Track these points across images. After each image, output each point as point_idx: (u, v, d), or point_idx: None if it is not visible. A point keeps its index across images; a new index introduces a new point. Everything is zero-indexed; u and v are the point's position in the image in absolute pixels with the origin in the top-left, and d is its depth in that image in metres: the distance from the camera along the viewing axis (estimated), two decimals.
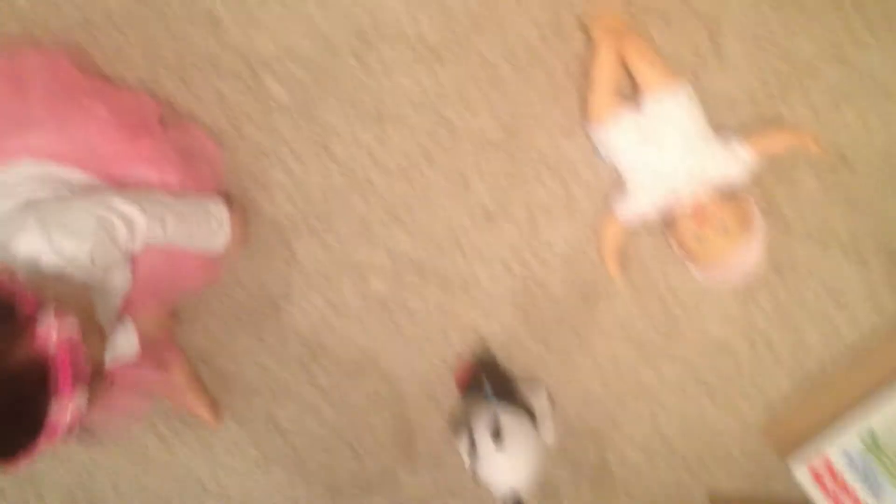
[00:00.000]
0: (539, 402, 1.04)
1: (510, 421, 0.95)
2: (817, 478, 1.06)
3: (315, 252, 1.04)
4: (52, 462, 1.11)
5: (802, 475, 1.08)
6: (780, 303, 1.07)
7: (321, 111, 0.98)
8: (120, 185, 0.84)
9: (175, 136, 0.92)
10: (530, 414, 1.00)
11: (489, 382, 1.03)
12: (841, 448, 1.05)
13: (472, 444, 0.95)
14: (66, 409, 0.63)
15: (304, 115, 0.98)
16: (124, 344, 0.84)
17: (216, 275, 0.97)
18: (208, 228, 0.87)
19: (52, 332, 0.63)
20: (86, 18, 0.92)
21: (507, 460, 0.93)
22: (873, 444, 1.04)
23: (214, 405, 1.09)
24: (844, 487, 1.04)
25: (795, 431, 1.10)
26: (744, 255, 0.96)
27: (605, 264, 1.04)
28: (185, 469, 1.12)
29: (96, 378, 0.69)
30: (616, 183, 1.00)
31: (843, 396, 1.07)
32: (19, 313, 0.63)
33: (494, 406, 0.98)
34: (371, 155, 1.00)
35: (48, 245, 0.71)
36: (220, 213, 0.89)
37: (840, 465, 1.04)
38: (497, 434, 0.93)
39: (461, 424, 1.00)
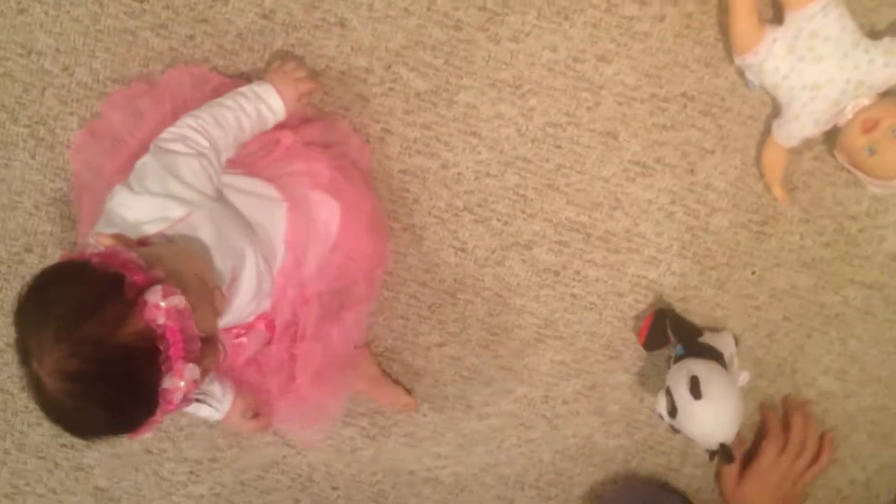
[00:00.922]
0: (726, 348, 1.10)
1: (706, 373, 1.01)
2: None
3: (479, 235, 1.14)
4: (274, 471, 1.28)
5: None
6: None
7: (459, 93, 1.09)
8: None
9: (319, 130, 1.04)
10: (720, 361, 1.07)
11: (675, 336, 1.10)
12: None
13: (671, 403, 1.02)
14: (178, 382, 0.69)
15: (443, 101, 1.09)
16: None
17: (384, 260, 1.08)
18: None
19: (161, 305, 0.68)
20: (218, 45, 1.07)
21: (709, 413, 0.99)
22: None
23: (408, 394, 1.22)
24: None
25: None
26: None
27: (770, 192, 1.09)
28: (393, 460, 1.25)
29: (210, 348, 0.74)
30: (772, 108, 1.05)
31: None
32: (127, 286, 0.68)
33: (687, 361, 1.04)
34: (516, 127, 1.10)
35: (142, 198, 0.80)
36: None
37: None
38: (695, 389, 0.99)
39: (656, 384, 1.09)
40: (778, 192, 1.08)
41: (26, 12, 1.08)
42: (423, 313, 1.18)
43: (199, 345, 0.71)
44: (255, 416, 1.06)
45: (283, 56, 1.08)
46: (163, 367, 0.68)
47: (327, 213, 1.00)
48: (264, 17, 1.07)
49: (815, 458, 1.15)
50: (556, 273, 1.15)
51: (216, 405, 1.00)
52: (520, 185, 1.12)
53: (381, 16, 1.06)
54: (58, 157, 1.17)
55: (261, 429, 1.08)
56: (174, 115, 0.92)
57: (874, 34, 1.00)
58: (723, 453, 1.02)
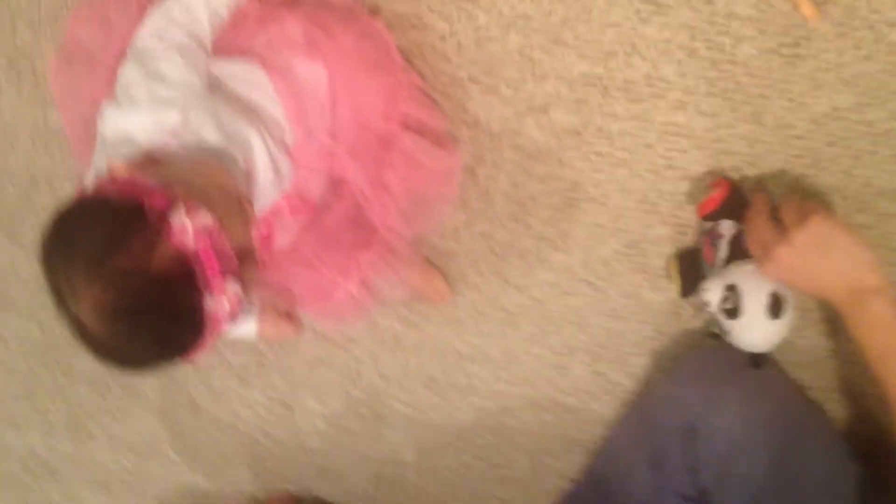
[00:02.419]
0: None
1: (785, 292, 1.07)
2: None
3: (490, 105, 1.19)
4: (323, 369, 1.42)
5: None
6: None
7: None
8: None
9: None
10: None
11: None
12: None
13: (735, 304, 1.08)
14: (221, 299, 0.73)
15: None
16: None
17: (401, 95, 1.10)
18: None
19: (187, 226, 0.71)
20: None
21: (778, 333, 1.07)
22: None
23: (442, 278, 1.32)
24: None
25: None
26: None
27: (798, 12, 1.10)
28: (439, 344, 1.37)
29: (246, 260, 0.78)
30: None
31: None
32: (149, 212, 0.72)
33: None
34: None
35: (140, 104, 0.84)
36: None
37: None
38: (776, 309, 1.05)
39: (716, 274, 1.14)
40: (807, 9, 1.09)
41: None
42: None
43: (235, 259, 0.75)
44: (288, 316, 1.15)
45: None
46: (202, 288, 0.72)
47: (314, 79, 1.02)
48: None
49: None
50: (578, 133, 1.20)
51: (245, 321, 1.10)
52: (524, 45, 1.15)
53: None
54: (42, 88, 1.25)
55: (295, 331, 1.16)
56: (143, 15, 0.94)
57: None
58: (755, 359, 1.10)
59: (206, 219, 0.72)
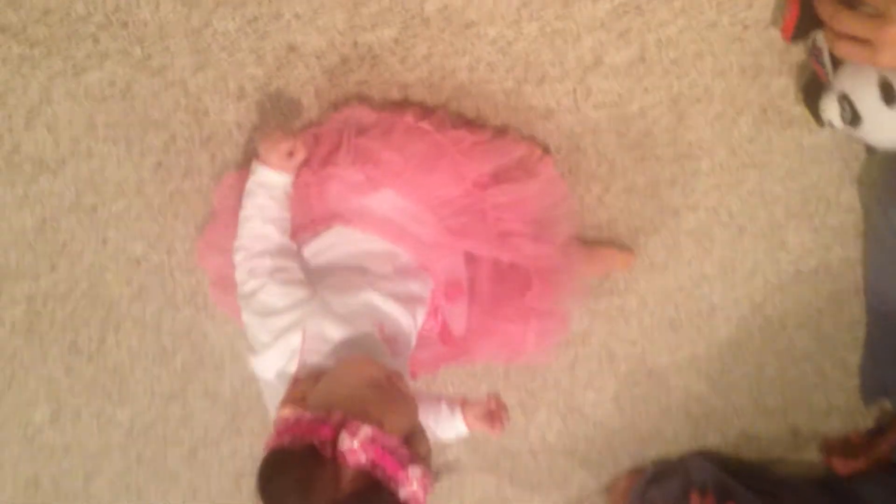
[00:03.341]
0: None
1: (893, 70, 1.03)
2: None
3: (550, 91, 1.26)
4: (578, 368, 1.57)
5: None
6: None
7: None
8: None
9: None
10: None
11: None
12: None
13: (852, 111, 1.07)
14: (412, 486, 0.85)
15: None
16: None
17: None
18: None
19: (355, 445, 0.84)
20: None
21: None
22: None
23: (620, 250, 1.40)
24: None
25: None
26: None
27: None
28: (658, 292, 1.46)
29: (415, 437, 0.91)
30: None
31: None
32: (322, 448, 0.85)
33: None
34: None
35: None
36: None
37: None
38: (889, 94, 1.03)
39: (821, 92, 1.14)
40: None
41: None
42: (565, 177, 1.34)
43: (406, 448, 0.87)
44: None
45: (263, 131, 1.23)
46: (391, 488, 0.85)
47: (389, 201, 1.15)
48: None
49: None
50: (642, 60, 1.22)
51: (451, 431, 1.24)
52: (542, 26, 1.19)
53: None
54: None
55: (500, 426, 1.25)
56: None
57: None
58: None
59: (367, 431, 0.85)
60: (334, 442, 0.85)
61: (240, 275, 1.09)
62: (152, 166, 1.30)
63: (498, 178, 1.20)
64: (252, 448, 1.65)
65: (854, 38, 1.03)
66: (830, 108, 1.11)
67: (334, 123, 1.21)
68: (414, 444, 0.91)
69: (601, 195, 1.36)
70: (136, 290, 1.44)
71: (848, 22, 1.04)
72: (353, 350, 1.03)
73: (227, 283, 1.27)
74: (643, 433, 1.65)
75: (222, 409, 1.60)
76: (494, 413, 1.19)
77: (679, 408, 1.61)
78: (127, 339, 1.50)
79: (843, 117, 1.10)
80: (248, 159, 1.27)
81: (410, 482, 0.85)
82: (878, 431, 1.62)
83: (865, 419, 1.63)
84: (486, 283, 1.24)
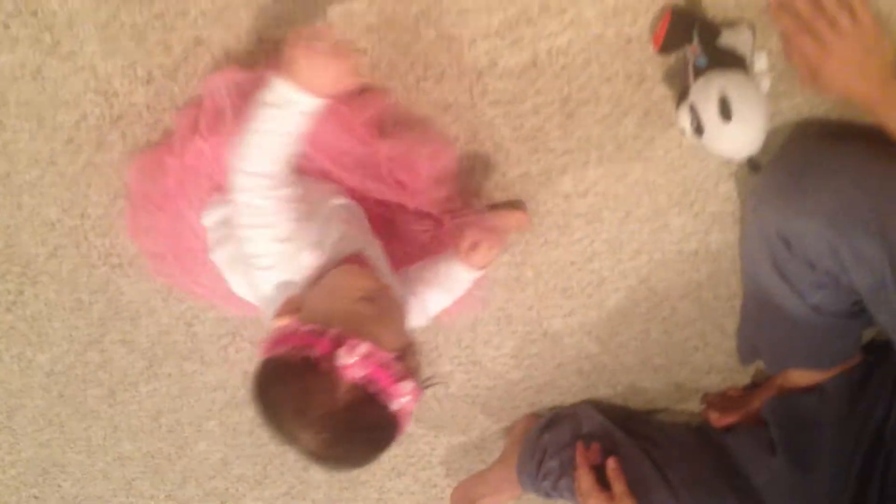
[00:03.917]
0: (746, 45, 1.25)
1: (735, 91, 1.18)
2: None
3: (448, 89, 1.38)
4: (480, 328, 1.74)
5: None
6: None
7: None
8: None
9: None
10: (741, 66, 1.22)
11: (698, 42, 1.25)
12: None
13: (697, 121, 1.22)
14: (403, 399, 0.96)
15: None
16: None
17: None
18: None
19: (352, 361, 0.93)
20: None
21: (739, 133, 1.18)
22: None
23: (515, 210, 1.51)
24: None
25: None
26: None
27: None
28: (552, 264, 1.61)
29: (408, 352, 1.01)
30: None
31: None
32: (320, 362, 0.94)
33: (713, 77, 1.21)
34: None
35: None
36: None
37: None
38: (726, 110, 1.17)
39: (680, 101, 1.28)
40: None
41: None
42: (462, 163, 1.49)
43: (400, 363, 0.97)
44: None
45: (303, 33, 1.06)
46: (385, 400, 0.95)
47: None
48: None
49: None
50: (534, 65, 1.35)
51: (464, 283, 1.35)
52: (439, 30, 1.31)
53: None
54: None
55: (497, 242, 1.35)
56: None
57: None
58: (750, 165, 1.22)
59: (364, 348, 0.95)
60: (331, 356, 0.95)
61: (247, 196, 1.06)
62: (64, 141, 1.40)
63: (385, 133, 1.31)
64: (169, 389, 1.81)
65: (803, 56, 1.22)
66: (682, 117, 1.26)
67: (211, 86, 1.26)
68: (406, 360, 1.00)
69: (498, 181, 1.50)
70: (52, 249, 1.55)
71: (800, 42, 1.23)
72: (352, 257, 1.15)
73: (162, 258, 1.42)
74: (539, 384, 1.84)
75: (139, 355, 1.74)
76: (485, 239, 1.29)
77: (572, 363, 1.80)
78: (44, 292, 1.63)
79: (691, 126, 1.25)
80: (158, 138, 1.39)
81: (402, 395, 0.97)
82: (752, 388, 1.83)
83: (743, 377, 1.84)
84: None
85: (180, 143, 1.28)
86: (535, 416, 1.89)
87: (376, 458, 1.03)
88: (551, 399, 1.87)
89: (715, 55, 1.24)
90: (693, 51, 1.26)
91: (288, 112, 1.03)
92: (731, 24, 1.29)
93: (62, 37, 1.29)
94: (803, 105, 1.40)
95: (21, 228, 1.52)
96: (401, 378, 0.98)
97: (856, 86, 1.24)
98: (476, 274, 1.33)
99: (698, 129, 1.23)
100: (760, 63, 1.29)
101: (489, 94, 1.38)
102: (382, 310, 1.06)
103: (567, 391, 1.85)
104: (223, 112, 1.23)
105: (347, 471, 1.12)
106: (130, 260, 1.58)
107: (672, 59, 1.35)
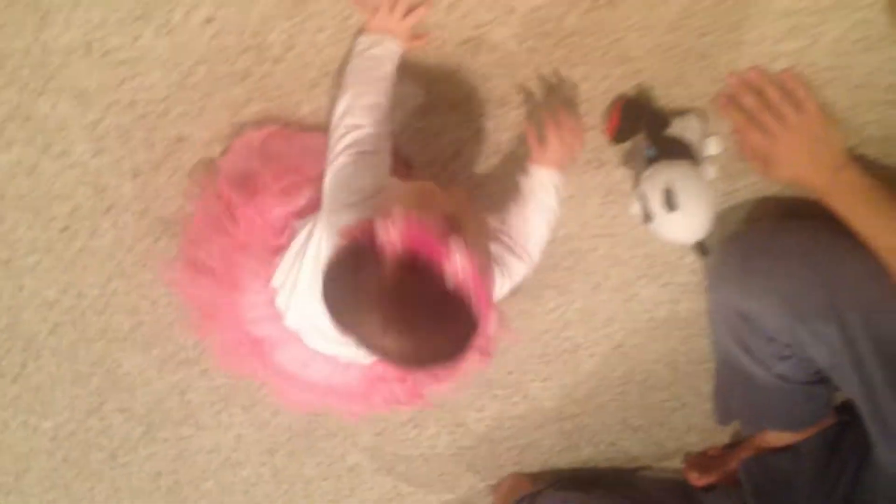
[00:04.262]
0: (694, 133, 1.32)
1: (679, 182, 1.25)
2: None
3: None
4: (455, 402, 1.81)
5: None
6: None
7: None
8: None
9: None
10: (689, 154, 1.30)
11: (646, 131, 1.33)
12: None
13: (646, 209, 1.28)
14: (457, 267, 0.89)
15: None
16: None
17: None
18: None
19: (391, 232, 0.89)
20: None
21: (684, 223, 1.25)
22: None
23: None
24: None
25: None
26: None
27: None
28: (526, 334, 1.68)
29: (462, 218, 0.97)
30: None
31: None
32: (361, 243, 0.92)
33: (659, 168, 1.28)
34: None
35: None
36: None
37: None
38: (670, 201, 1.23)
39: (633, 188, 1.35)
40: None
41: None
42: None
43: (447, 223, 0.93)
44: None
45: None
46: (436, 270, 0.89)
47: None
48: None
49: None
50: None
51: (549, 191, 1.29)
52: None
53: None
54: None
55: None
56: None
57: None
58: (698, 250, 1.29)
59: (399, 215, 0.91)
60: (372, 235, 0.91)
61: (364, 128, 1.17)
62: (59, 229, 1.49)
63: None
64: (167, 452, 1.89)
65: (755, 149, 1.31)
66: (633, 205, 1.33)
67: (239, 150, 1.37)
68: (457, 222, 0.96)
69: None
70: (52, 326, 1.64)
71: (749, 136, 1.32)
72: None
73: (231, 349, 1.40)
74: (522, 445, 1.90)
75: (137, 422, 1.82)
76: (553, 133, 1.27)
77: (553, 424, 1.86)
78: (46, 366, 1.71)
79: (640, 214, 1.31)
80: (147, 225, 1.48)
81: (452, 255, 0.89)
82: (732, 447, 1.88)
83: (723, 436, 1.89)
84: None
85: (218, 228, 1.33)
86: (520, 474, 1.95)
87: (453, 343, 0.96)
88: (535, 458, 1.93)
89: (664, 145, 1.31)
90: (647, 145, 1.33)
91: (383, 48, 1.22)
92: (681, 112, 1.36)
93: (54, 138, 1.37)
94: (758, 184, 1.46)
95: (23, 308, 1.60)
96: (447, 236, 0.91)
97: (805, 174, 1.30)
98: (554, 176, 1.28)
99: (647, 217, 1.29)
100: (712, 148, 1.36)
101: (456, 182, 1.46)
102: (427, 189, 1.06)
103: (550, 450, 1.91)
104: (253, 173, 1.31)
105: (435, 366, 0.99)
106: (126, 335, 1.65)
107: (629, 143, 1.41)
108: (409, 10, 1.27)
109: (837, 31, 1.30)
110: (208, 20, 1.29)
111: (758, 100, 1.31)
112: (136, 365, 1.72)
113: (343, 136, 1.17)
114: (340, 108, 1.20)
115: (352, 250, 0.95)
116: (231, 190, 1.32)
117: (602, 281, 1.61)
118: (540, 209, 1.27)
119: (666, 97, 1.37)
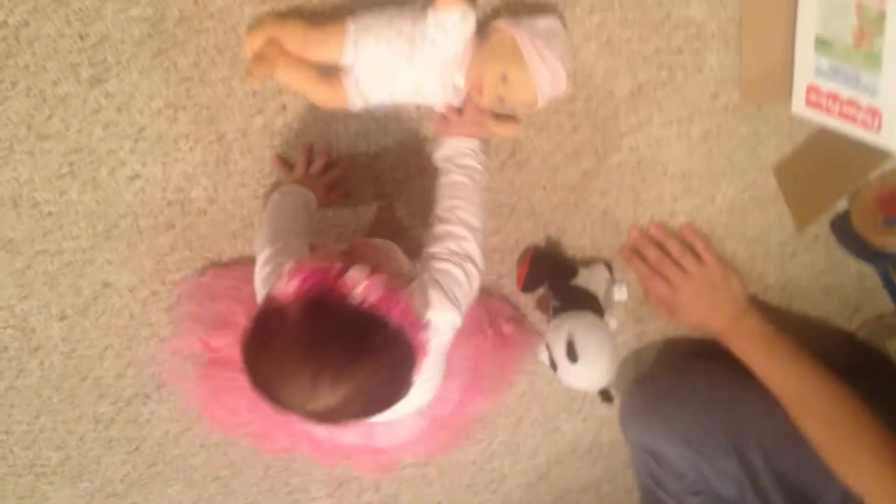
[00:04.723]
0: (600, 284, 1.37)
1: (581, 333, 1.29)
2: (818, 107, 1.21)
3: None
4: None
5: (805, 112, 1.25)
6: None
7: None
8: None
9: None
10: (595, 305, 1.35)
11: (550, 286, 1.38)
12: (814, 69, 1.19)
13: (551, 359, 1.32)
14: (360, 287, 0.88)
15: None
16: None
17: None
18: None
19: (284, 280, 0.89)
20: None
21: (586, 373, 1.28)
22: (825, 47, 1.16)
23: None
24: (839, 100, 1.19)
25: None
26: (547, 76, 1.16)
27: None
28: (455, 466, 1.70)
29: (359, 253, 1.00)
30: None
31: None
32: (270, 302, 0.90)
33: (563, 320, 1.32)
34: None
35: None
36: None
37: (825, 84, 1.19)
38: (572, 353, 1.27)
39: (543, 336, 1.39)
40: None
41: None
42: None
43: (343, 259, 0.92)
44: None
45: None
46: (337, 297, 0.88)
47: None
48: None
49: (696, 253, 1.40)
50: None
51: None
52: None
53: None
54: None
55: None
56: None
57: None
58: (602, 397, 1.34)
59: (289, 265, 0.92)
60: (272, 299, 0.91)
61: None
62: None
63: None
64: None
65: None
66: (541, 352, 1.37)
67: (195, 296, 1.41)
68: (355, 256, 0.97)
69: None
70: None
71: (653, 285, 1.39)
72: None
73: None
74: None
75: None
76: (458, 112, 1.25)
77: None
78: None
79: (547, 361, 1.36)
80: (73, 365, 1.50)
81: (353, 281, 0.89)
82: None
83: None
84: None
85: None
86: None
87: (390, 370, 0.93)
88: None
89: (570, 295, 1.36)
90: (551, 300, 1.39)
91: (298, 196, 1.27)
92: (589, 263, 1.42)
93: None
94: (666, 327, 1.52)
95: None
96: (344, 271, 0.90)
97: (707, 320, 1.36)
98: (465, 141, 1.24)
99: (553, 365, 1.34)
100: (620, 294, 1.42)
101: None
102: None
103: None
104: (226, 315, 1.35)
105: (377, 408, 0.96)
106: (54, 469, 1.66)
107: (542, 290, 1.47)
108: (326, 170, 1.32)
109: (731, 191, 1.38)
110: (133, 177, 1.34)
111: (659, 252, 1.37)
112: (64, 498, 1.72)
113: (264, 280, 1.17)
114: (260, 259, 1.18)
115: (257, 322, 0.92)
116: (214, 335, 1.36)
117: (524, 415, 1.64)
118: (461, 174, 1.21)
119: (573, 248, 1.43)
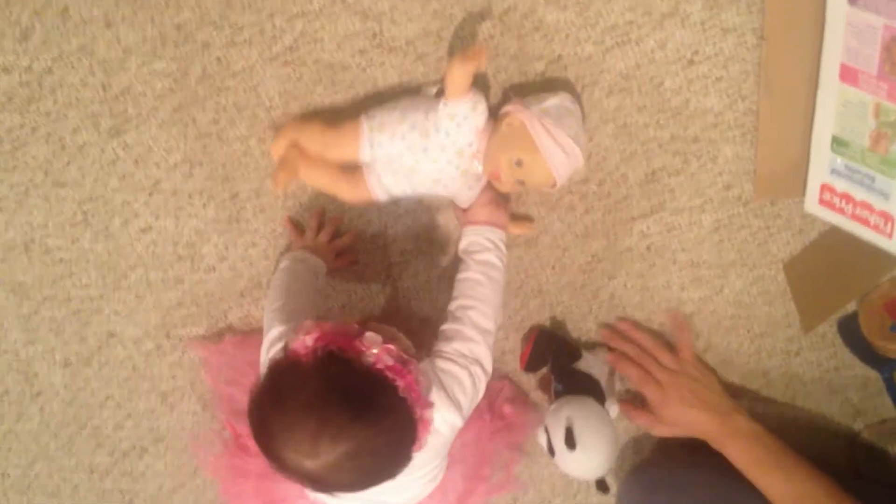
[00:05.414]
0: (602, 370, 1.35)
1: (581, 420, 1.26)
2: (831, 206, 1.20)
3: None
4: None
5: (818, 211, 1.24)
6: None
7: None
8: None
9: None
10: (596, 391, 1.32)
11: (553, 368, 1.36)
12: (829, 168, 1.18)
13: (549, 444, 1.29)
14: (372, 351, 0.92)
15: None
16: None
17: None
18: None
19: (301, 336, 0.94)
20: None
21: (584, 462, 1.26)
22: (842, 147, 1.15)
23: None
24: (852, 201, 1.17)
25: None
26: (561, 156, 1.16)
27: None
28: None
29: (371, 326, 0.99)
30: None
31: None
32: (285, 357, 0.95)
33: (564, 405, 1.29)
34: None
35: None
36: None
37: (840, 184, 1.18)
38: (570, 440, 1.25)
39: (542, 421, 1.37)
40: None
41: None
42: None
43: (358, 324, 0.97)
44: None
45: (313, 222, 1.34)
46: (350, 356, 0.92)
47: None
48: None
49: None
50: None
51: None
52: None
53: None
54: None
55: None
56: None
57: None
58: (598, 487, 1.30)
59: (308, 324, 0.97)
60: (289, 353, 0.95)
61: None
62: None
63: None
64: None
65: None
66: (540, 436, 1.33)
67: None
68: (370, 325, 0.99)
69: None
70: None
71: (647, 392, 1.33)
72: None
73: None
74: None
75: None
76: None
77: None
78: None
79: (545, 446, 1.32)
80: (73, 413, 1.49)
81: (368, 345, 0.93)
82: None
83: None
84: None
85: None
86: None
87: (391, 434, 0.95)
88: None
89: (572, 379, 1.34)
90: (552, 380, 1.37)
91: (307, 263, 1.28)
92: (593, 346, 1.40)
93: None
94: None
95: None
96: (358, 334, 0.95)
97: (697, 418, 1.31)
98: (486, 230, 1.24)
99: (550, 450, 1.30)
100: (620, 383, 1.39)
101: None
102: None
103: None
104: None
105: (372, 478, 0.97)
106: None
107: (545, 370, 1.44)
108: (335, 237, 1.32)
109: (739, 284, 1.36)
110: (146, 229, 1.35)
111: (636, 349, 1.35)
112: None
113: (268, 350, 1.16)
114: (271, 335, 1.17)
115: (271, 372, 0.95)
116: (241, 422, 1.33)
117: (520, 496, 1.60)
118: (478, 271, 1.20)
119: (578, 331, 1.41)
